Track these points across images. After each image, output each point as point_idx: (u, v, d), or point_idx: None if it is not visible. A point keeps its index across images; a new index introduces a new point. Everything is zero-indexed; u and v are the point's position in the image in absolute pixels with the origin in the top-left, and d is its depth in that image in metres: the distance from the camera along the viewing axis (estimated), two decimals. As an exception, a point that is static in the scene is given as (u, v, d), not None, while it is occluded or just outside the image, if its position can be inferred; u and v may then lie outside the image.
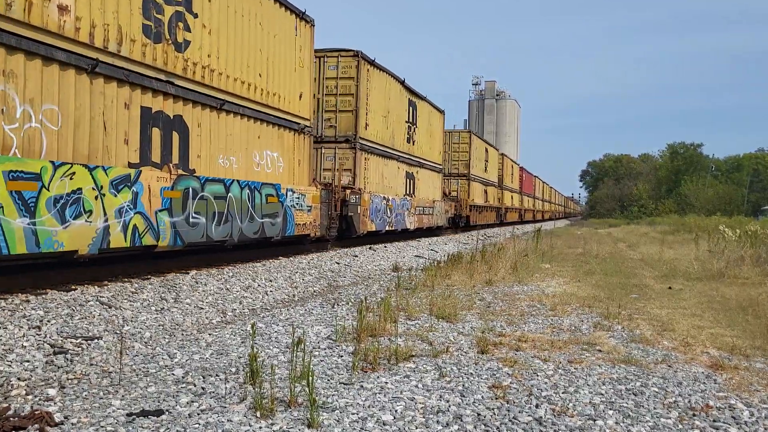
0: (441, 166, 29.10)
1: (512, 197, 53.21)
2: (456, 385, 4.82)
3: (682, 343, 6.41)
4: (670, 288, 10.74)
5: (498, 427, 3.96)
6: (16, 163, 6.99)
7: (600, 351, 6.01)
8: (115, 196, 8.48)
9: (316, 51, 15.79)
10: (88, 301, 7.60)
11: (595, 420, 4.12)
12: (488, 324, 7.19)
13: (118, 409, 4.22)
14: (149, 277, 9.73)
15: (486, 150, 41.58)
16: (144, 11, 9.16)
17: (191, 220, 10.13)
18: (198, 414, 4.12)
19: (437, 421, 4.04)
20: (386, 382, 4.84)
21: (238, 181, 11.46)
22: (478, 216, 37.25)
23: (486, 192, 40.60)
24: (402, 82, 22.36)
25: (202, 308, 8.41)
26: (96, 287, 8.45)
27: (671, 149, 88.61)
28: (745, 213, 65.36)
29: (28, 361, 5.42)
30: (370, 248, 18.51)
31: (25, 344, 5.83)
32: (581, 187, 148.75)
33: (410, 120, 23.78)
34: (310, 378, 4.13)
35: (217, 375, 5.02)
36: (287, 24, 13.40)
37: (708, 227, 26.78)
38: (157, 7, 9.43)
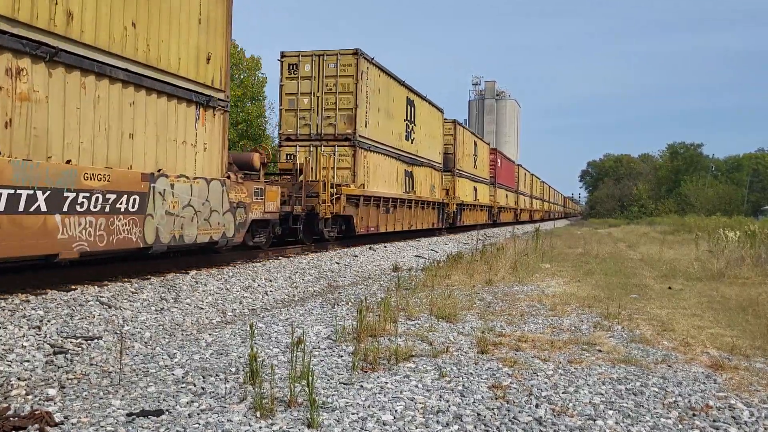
0: (210, 94, 10.90)
1: (476, 189, 37.14)
2: (456, 385, 4.82)
3: (682, 343, 6.41)
4: (670, 288, 10.74)
5: (498, 427, 3.96)
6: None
7: (600, 351, 6.00)
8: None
9: None
10: (88, 301, 7.60)
11: (595, 420, 4.12)
12: (488, 324, 7.19)
13: (118, 409, 4.22)
14: (149, 277, 9.73)
15: (410, 105, 23.78)
16: None
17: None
18: (198, 414, 4.12)
19: (437, 421, 4.04)
20: (386, 382, 4.84)
21: None
22: (379, 217, 20.48)
23: (410, 176, 24.07)
24: None
25: (202, 308, 8.42)
26: (96, 287, 8.45)
27: (671, 149, 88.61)
28: (745, 213, 65.37)
29: (28, 361, 5.42)
30: (370, 248, 18.50)
31: (25, 344, 5.83)
32: (581, 187, 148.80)
33: None
34: (310, 378, 4.13)
35: (217, 375, 5.02)
36: None
37: (708, 227, 26.79)
38: None
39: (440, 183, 28.97)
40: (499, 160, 45.71)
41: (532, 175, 69.95)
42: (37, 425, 3.85)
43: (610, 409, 4.35)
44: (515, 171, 55.77)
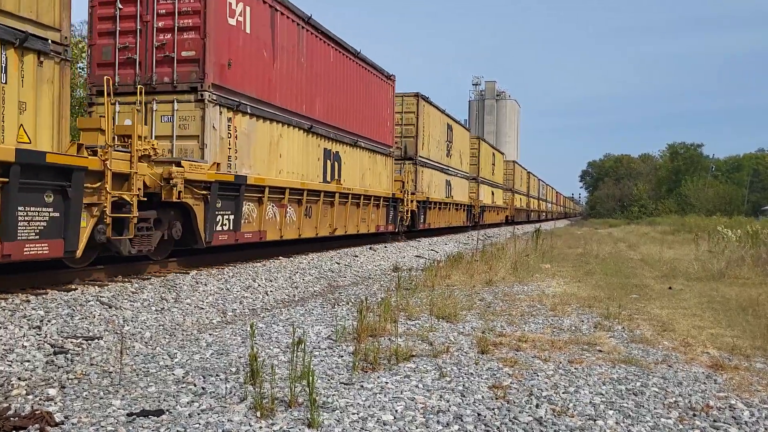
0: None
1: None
2: (456, 385, 4.82)
3: (682, 343, 6.40)
4: (670, 288, 10.74)
5: (498, 427, 3.96)
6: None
7: (600, 351, 6.00)
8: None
9: None
10: (89, 301, 7.60)
11: (595, 420, 4.12)
12: (488, 324, 7.19)
13: (119, 408, 4.22)
14: (149, 277, 9.73)
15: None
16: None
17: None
18: (198, 414, 4.12)
19: (437, 421, 4.04)
20: (386, 382, 4.84)
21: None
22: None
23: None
24: None
25: (202, 308, 8.42)
26: (96, 287, 8.45)
27: (671, 149, 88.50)
28: (745, 213, 65.31)
29: (28, 361, 5.42)
30: (370, 248, 18.51)
31: (25, 344, 5.83)
32: (581, 187, 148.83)
33: None
34: (311, 378, 4.13)
35: (217, 375, 5.02)
36: None
37: (708, 227, 26.77)
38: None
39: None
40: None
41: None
42: (37, 425, 3.85)
43: (611, 409, 4.35)
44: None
